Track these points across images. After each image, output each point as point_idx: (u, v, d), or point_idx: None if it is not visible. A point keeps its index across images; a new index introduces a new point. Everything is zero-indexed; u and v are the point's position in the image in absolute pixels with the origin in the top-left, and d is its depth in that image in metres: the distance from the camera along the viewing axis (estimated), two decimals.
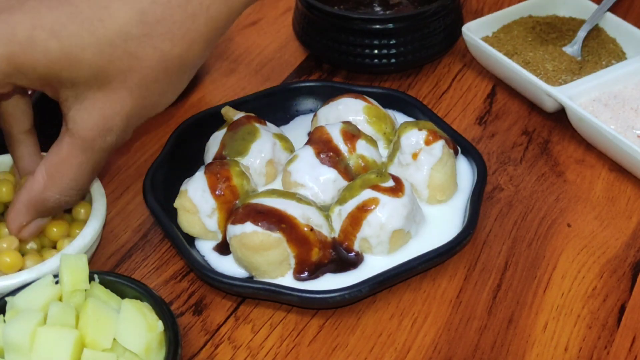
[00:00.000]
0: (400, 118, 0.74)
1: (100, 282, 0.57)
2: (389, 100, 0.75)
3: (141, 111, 0.55)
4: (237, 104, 0.74)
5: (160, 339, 0.54)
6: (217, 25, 0.55)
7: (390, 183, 0.63)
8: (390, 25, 0.81)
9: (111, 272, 0.63)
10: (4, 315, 0.55)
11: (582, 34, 0.83)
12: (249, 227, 0.61)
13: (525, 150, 0.76)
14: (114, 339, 0.53)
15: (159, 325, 0.54)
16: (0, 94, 0.55)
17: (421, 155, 0.66)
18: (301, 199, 0.63)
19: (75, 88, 0.53)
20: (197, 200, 0.64)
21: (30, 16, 0.50)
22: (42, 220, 0.61)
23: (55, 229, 0.63)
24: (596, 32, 0.85)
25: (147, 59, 0.53)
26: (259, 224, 0.61)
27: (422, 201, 0.67)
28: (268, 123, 0.71)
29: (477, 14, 0.94)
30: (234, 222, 0.62)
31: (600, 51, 0.83)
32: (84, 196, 0.62)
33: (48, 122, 0.65)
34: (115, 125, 0.54)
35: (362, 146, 0.68)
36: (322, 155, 0.67)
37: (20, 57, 0.51)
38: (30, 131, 0.62)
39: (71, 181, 0.56)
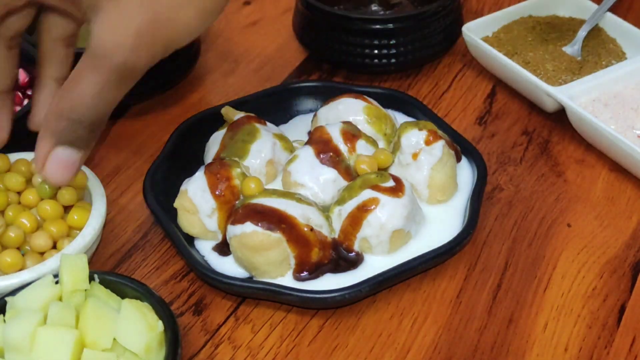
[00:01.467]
0: (400, 118, 0.74)
1: (100, 282, 0.57)
2: (389, 100, 0.75)
3: (154, 28, 0.50)
4: (237, 104, 0.74)
5: (160, 339, 0.54)
6: None
7: (390, 183, 0.63)
8: (390, 25, 0.81)
9: (111, 272, 0.63)
10: (4, 315, 0.55)
11: (582, 34, 0.83)
12: (249, 227, 0.61)
13: (525, 150, 0.76)
14: (114, 339, 0.53)
15: (159, 325, 0.54)
16: (13, 7, 0.53)
17: (421, 155, 0.66)
18: (301, 199, 0.63)
19: None
20: (197, 200, 0.64)
21: None
22: (66, 153, 0.54)
23: (55, 229, 0.63)
24: (596, 32, 0.85)
25: None
26: (259, 224, 0.61)
27: (422, 201, 0.67)
28: (268, 123, 0.71)
29: (477, 14, 0.94)
30: (234, 222, 0.62)
31: (600, 51, 0.83)
32: (96, 133, 0.55)
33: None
34: (123, 42, 0.50)
35: (362, 146, 0.68)
36: (322, 156, 0.67)
37: None
38: (6, 93, 0.59)
39: (82, 99, 0.52)
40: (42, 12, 0.58)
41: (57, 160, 0.55)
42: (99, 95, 0.52)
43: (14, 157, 0.67)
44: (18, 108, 0.70)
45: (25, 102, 0.73)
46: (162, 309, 0.55)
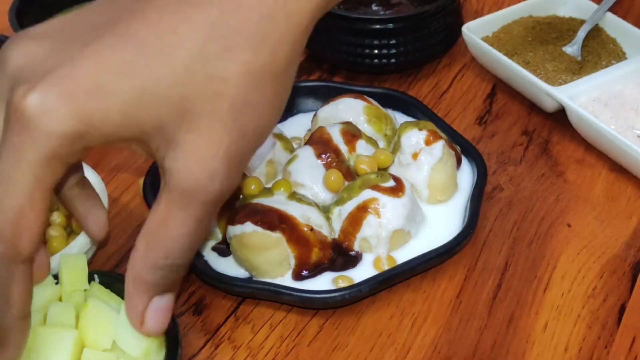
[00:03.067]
0: (400, 118, 0.74)
1: (100, 282, 0.57)
2: (389, 100, 0.75)
3: (243, 145, 0.45)
4: None
5: (160, 340, 0.53)
6: (300, 21, 0.46)
7: (390, 183, 0.63)
8: (390, 25, 0.81)
9: (111, 271, 0.63)
10: None
11: (582, 34, 0.83)
12: (249, 227, 0.61)
13: (525, 150, 0.76)
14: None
15: None
16: (69, 166, 0.45)
17: (421, 155, 0.66)
18: (301, 199, 0.63)
19: (162, 133, 0.44)
20: None
21: (93, 61, 0.43)
22: (163, 301, 0.49)
23: (57, 233, 0.63)
24: (596, 32, 0.85)
25: (232, 77, 0.44)
26: (259, 224, 0.61)
27: (422, 201, 0.67)
28: None
29: (477, 14, 0.94)
30: (233, 222, 0.62)
31: (600, 51, 0.83)
32: (188, 268, 0.50)
33: None
34: (216, 170, 0.45)
35: (362, 146, 0.68)
36: (322, 156, 0.67)
37: (90, 107, 0.42)
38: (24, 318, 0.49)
39: (175, 243, 0.47)
40: None
41: (156, 311, 0.50)
42: (196, 235, 0.47)
43: None
44: None
45: None
46: None
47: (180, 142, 0.44)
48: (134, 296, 0.49)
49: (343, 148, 0.67)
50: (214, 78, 0.44)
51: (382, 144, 0.70)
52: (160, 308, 0.50)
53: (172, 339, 0.53)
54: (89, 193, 0.56)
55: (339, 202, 0.64)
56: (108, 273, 0.58)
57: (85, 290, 0.55)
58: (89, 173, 0.66)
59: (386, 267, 0.62)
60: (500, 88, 0.83)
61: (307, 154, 0.67)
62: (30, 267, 0.47)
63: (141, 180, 0.68)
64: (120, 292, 0.57)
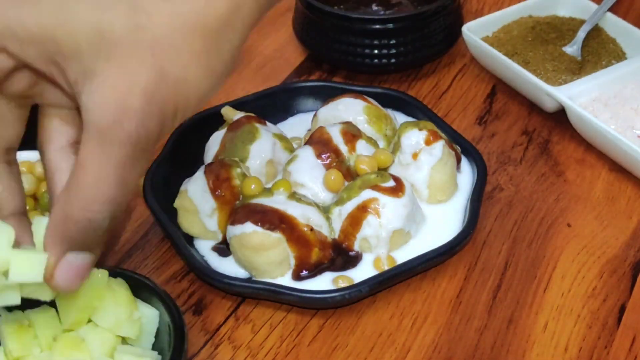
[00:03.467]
0: (400, 118, 0.74)
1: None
2: (389, 100, 0.75)
3: (163, 89, 0.43)
4: (237, 104, 0.74)
5: (130, 310, 0.54)
6: None
7: (390, 183, 0.63)
8: (390, 25, 0.81)
9: (117, 267, 0.63)
10: None
11: (582, 34, 0.83)
12: (249, 227, 0.61)
13: (525, 150, 0.76)
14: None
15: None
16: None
17: (421, 155, 0.66)
18: (301, 199, 0.63)
19: (80, 60, 0.42)
20: (197, 200, 0.64)
21: None
22: (78, 258, 0.46)
23: None
24: (596, 32, 0.85)
25: (158, 14, 0.42)
26: (259, 224, 0.61)
27: (422, 201, 0.67)
28: (268, 123, 0.72)
29: (477, 14, 0.94)
30: (233, 223, 0.62)
31: (600, 51, 0.83)
32: (122, 212, 0.47)
33: None
34: (131, 106, 0.42)
35: (362, 146, 0.68)
36: (322, 156, 0.67)
37: (9, 13, 0.42)
38: (21, 215, 0.50)
39: (94, 190, 0.43)
40: (40, 122, 0.50)
41: (67, 268, 0.46)
42: (113, 182, 0.43)
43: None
44: None
45: None
46: (167, 304, 0.55)
47: (98, 73, 0.42)
48: (48, 246, 0.46)
49: (343, 148, 0.67)
50: (139, 10, 0.42)
51: (382, 144, 0.70)
52: (73, 265, 0.46)
53: (178, 334, 0.53)
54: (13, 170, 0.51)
55: (339, 202, 0.64)
56: (114, 268, 0.58)
57: None
58: None
59: (386, 267, 0.62)
60: (500, 88, 0.83)
61: (307, 154, 0.67)
62: None
63: (141, 181, 0.68)
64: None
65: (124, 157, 0.43)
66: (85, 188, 0.43)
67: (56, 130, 0.49)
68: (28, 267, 0.46)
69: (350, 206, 0.63)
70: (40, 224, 0.49)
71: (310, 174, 0.66)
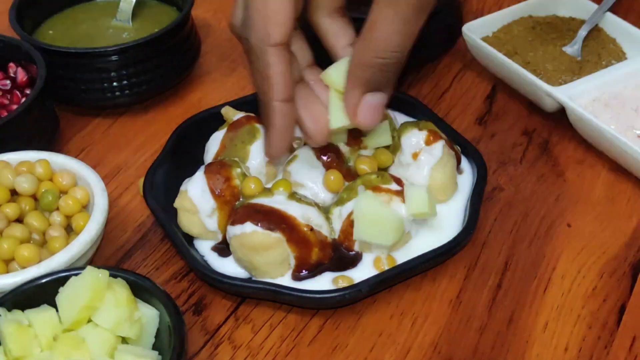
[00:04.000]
0: (400, 118, 0.74)
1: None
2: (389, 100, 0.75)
3: None
4: (237, 104, 0.74)
5: (131, 312, 0.54)
6: None
7: (393, 186, 0.63)
8: None
9: (116, 267, 0.63)
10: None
11: (582, 34, 0.83)
12: (249, 227, 0.61)
13: (525, 150, 0.76)
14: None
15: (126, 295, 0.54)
16: None
17: (421, 156, 0.66)
18: (301, 199, 0.63)
19: None
20: (197, 200, 0.64)
21: None
22: (375, 97, 0.58)
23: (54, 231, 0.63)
24: (596, 32, 0.85)
25: None
26: (259, 224, 0.61)
27: None
28: None
29: (477, 14, 0.94)
30: (233, 223, 0.62)
31: (600, 51, 0.83)
32: (399, 71, 0.59)
33: None
34: None
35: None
36: (322, 156, 0.67)
37: None
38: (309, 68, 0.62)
39: (385, 41, 0.55)
40: None
41: (368, 106, 0.58)
42: (402, 32, 0.55)
43: (9, 156, 0.66)
44: (15, 107, 0.70)
45: (23, 100, 0.72)
46: (167, 303, 0.55)
47: None
48: (349, 92, 0.57)
49: (343, 148, 0.67)
50: None
51: None
52: (371, 104, 0.58)
53: (178, 334, 0.53)
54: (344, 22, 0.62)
55: (339, 202, 0.64)
56: (114, 269, 0.58)
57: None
58: (89, 173, 0.66)
59: (386, 267, 0.62)
60: (500, 88, 0.83)
61: (307, 154, 0.67)
62: (285, 52, 0.57)
63: (141, 180, 0.68)
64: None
65: (409, 14, 0.54)
66: (378, 39, 0.55)
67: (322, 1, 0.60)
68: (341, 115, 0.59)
69: (350, 206, 0.63)
70: (339, 68, 0.58)
71: (310, 174, 0.66)
